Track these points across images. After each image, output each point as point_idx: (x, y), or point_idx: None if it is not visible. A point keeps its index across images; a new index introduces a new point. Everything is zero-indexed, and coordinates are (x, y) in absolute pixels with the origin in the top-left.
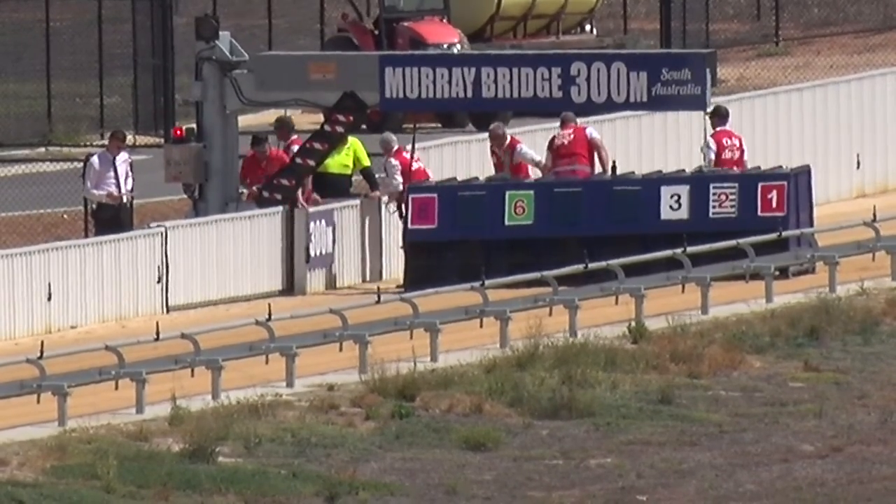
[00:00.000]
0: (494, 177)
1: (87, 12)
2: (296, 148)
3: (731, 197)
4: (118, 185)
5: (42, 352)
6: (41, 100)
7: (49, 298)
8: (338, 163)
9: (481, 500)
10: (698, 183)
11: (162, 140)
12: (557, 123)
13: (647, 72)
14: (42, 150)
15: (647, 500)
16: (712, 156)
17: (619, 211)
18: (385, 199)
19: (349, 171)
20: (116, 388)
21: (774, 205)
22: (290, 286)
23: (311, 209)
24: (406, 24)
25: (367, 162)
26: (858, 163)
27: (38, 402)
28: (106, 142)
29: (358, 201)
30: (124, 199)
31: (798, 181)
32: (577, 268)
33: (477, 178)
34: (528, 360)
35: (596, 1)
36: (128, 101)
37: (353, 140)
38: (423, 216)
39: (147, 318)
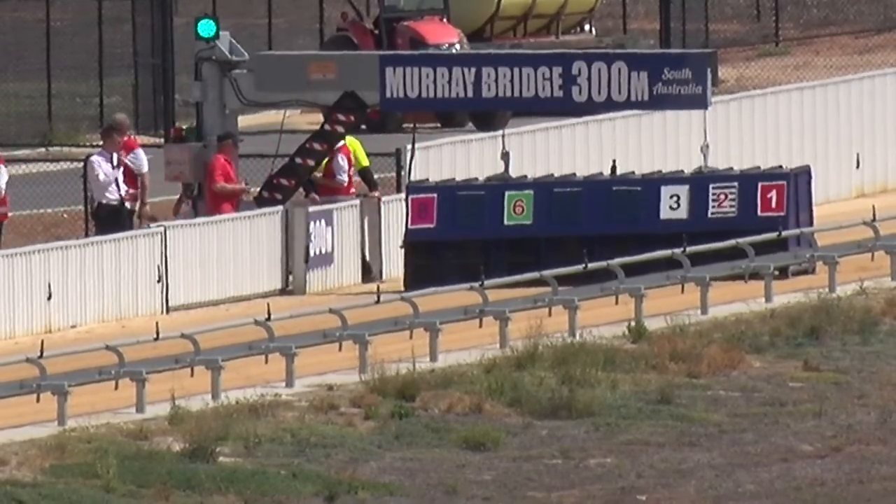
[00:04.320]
0: (494, 176)
1: (87, 12)
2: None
3: (730, 197)
4: (118, 185)
5: (42, 351)
6: (41, 99)
7: (49, 298)
8: None
9: (481, 501)
10: (698, 183)
11: (162, 140)
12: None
13: (648, 71)
14: (42, 149)
15: (647, 500)
16: (344, 176)
17: (619, 211)
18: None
19: None
20: (116, 387)
21: (774, 204)
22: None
23: (311, 209)
24: (406, 23)
25: (365, 162)
26: (858, 162)
27: (38, 401)
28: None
29: (357, 201)
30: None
31: (798, 181)
32: (577, 268)
33: (476, 178)
34: (528, 360)
35: (595, 1)
36: (128, 101)
37: (351, 140)
38: (423, 216)
39: (147, 317)
